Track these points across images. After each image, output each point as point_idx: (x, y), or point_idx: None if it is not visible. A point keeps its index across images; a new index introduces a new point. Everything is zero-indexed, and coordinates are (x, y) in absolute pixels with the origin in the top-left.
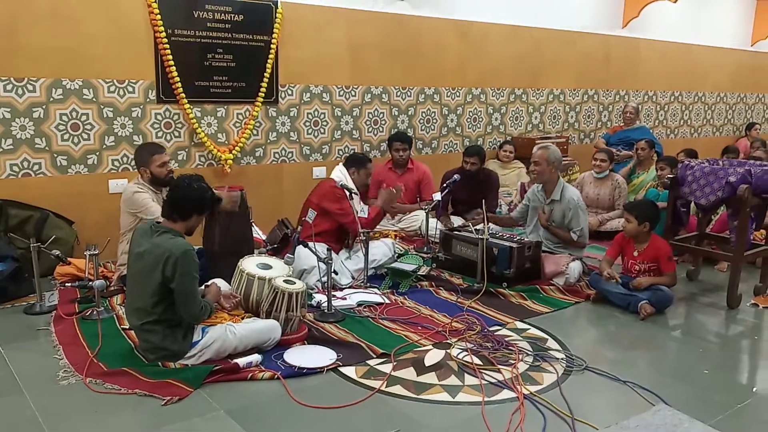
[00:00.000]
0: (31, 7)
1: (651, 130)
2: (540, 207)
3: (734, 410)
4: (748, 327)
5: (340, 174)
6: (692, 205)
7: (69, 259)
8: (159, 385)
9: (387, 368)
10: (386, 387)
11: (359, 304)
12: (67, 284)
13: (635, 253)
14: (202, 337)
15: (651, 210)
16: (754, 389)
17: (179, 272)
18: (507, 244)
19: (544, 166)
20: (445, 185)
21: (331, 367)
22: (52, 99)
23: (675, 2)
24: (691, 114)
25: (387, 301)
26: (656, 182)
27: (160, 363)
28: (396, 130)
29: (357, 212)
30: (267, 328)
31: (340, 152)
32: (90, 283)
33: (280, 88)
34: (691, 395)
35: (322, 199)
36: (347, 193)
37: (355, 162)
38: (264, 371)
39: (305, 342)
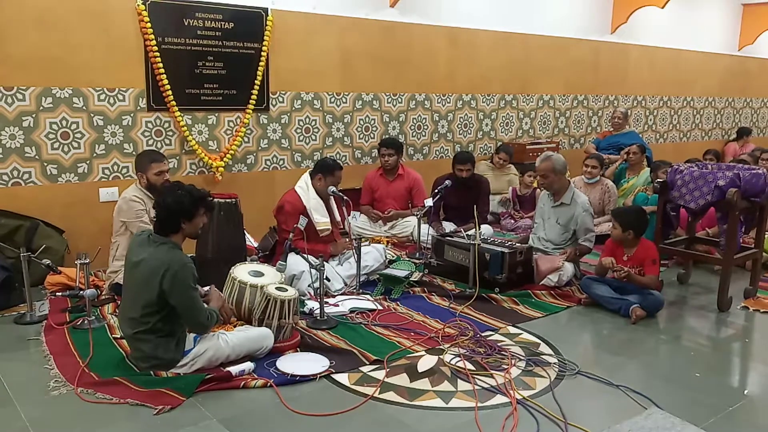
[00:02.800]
0: (19, 16)
1: (640, 135)
2: (547, 215)
3: (726, 413)
4: (739, 330)
5: (303, 184)
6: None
7: (60, 268)
8: (151, 395)
9: (380, 375)
10: (379, 393)
11: (352, 311)
12: (57, 294)
13: (625, 258)
14: (194, 346)
15: (636, 218)
16: (746, 392)
17: (178, 287)
18: (499, 249)
19: (552, 177)
20: (436, 191)
21: (324, 374)
22: (41, 108)
23: (663, 7)
24: (680, 119)
25: (379, 308)
26: (645, 186)
27: (152, 372)
28: (387, 136)
29: (345, 218)
30: (259, 336)
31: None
32: (81, 292)
33: (271, 95)
34: (682, 398)
35: (276, 212)
36: (307, 207)
37: (323, 168)
38: (257, 379)
39: (298, 349)
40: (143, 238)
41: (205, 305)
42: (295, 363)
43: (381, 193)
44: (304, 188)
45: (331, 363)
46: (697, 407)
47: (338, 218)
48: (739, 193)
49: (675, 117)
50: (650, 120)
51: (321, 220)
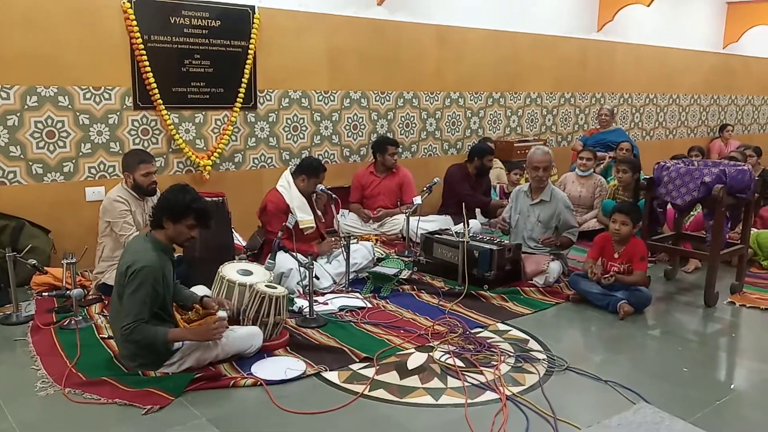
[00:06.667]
0: (3, 14)
1: (627, 132)
2: (526, 213)
3: (713, 407)
4: (726, 325)
5: (285, 182)
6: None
7: (46, 268)
8: (139, 394)
9: (370, 372)
10: (369, 391)
11: (341, 309)
12: (44, 294)
13: (615, 255)
14: (182, 344)
15: (639, 211)
16: (732, 386)
17: (132, 282)
18: (487, 246)
19: (550, 171)
20: (425, 189)
21: (295, 378)
22: (26, 106)
23: (648, 6)
24: (666, 116)
25: (369, 306)
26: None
27: (140, 372)
28: (376, 134)
29: (335, 216)
30: (248, 335)
31: (320, 157)
32: (67, 292)
33: (258, 93)
34: (671, 393)
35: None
36: (290, 206)
37: (307, 170)
38: (246, 378)
39: (287, 348)
40: (141, 235)
41: (158, 327)
42: (269, 367)
43: (372, 190)
44: (286, 187)
45: (304, 370)
46: (685, 402)
47: (321, 216)
48: (725, 189)
49: (661, 114)
50: (636, 117)
51: (305, 218)
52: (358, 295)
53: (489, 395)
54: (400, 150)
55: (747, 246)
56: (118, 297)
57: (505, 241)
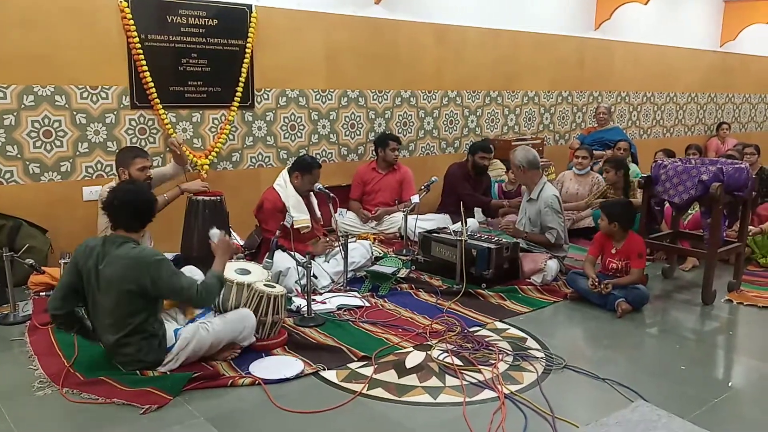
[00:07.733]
0: (0, 14)
1: (624, 131)
2: (524, 210)
3: (711, 405)
4: (723, 323)
5: (282, 181)
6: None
7: (43, 268)
8: (137, 394)
9: (368, 371)
10: (368, 390)
11: (339, 308)
12: (41, 293)
13: (613, 251)
14: (176, 341)
15: (622, 210)
16: (730, 384)
17: (161, 278)
18: (485, 245)
19: (515, 170)
20: (422, 187)
21: (293, 377)
22: (23, 106)
23: (645, 4)
24: (664, 114)
25: (367, 304)
26: (631, 180)
27: (138, 371)
28: (374, 133)
29: (332, 215)
30: (239, 318)
31: (318, 156)
32: None
33: (255, 92)
34: (668, 391)
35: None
36: (286, 204)
37: (301, 167)
38: (244, 377)
39: (286, 347)
40: (97, 243)
41: (196, 279)
42: (268, 367)
43: (373, 186)
44: (283, 185)
45: (302, 369)
46: (682, 399)
47: (318, 215)
48: (723, 188)
49: (658, 113)
50: (634, 116)
51: (300, 217)
52: (356, 293)
53: (487, 394)
54: (400, 146)
55: (744, 244)
56: (111, 304)
57: (503, 240)
